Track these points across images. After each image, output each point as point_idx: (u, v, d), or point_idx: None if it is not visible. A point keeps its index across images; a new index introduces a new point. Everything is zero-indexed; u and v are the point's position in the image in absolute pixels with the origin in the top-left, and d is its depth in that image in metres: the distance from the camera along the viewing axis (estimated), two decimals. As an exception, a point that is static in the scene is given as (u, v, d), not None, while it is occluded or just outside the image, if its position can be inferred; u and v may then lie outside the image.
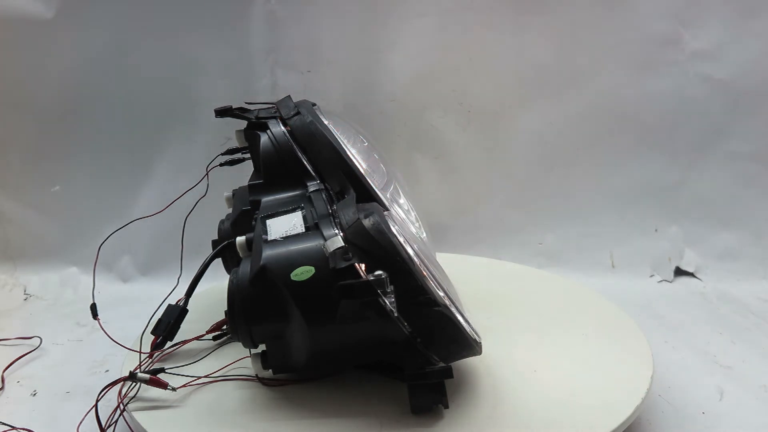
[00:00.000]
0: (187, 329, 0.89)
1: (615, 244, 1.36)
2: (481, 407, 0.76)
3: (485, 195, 1.39)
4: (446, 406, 0.73)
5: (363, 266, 0.68)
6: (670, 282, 1.32)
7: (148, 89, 1.34)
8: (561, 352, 0.88)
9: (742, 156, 1.33)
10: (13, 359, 1.05)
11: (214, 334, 0.92)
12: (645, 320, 1.10)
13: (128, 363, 0.86)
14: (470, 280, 1.03)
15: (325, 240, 0.71)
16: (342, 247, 0.69)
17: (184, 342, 0.90)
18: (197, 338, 0.91)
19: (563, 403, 0.77)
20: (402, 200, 0.95)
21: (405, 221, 0.89)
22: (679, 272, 1.34)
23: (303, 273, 0.70)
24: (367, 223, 0.70)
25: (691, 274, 1.33)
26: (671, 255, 1.34)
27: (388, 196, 0.89)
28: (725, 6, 1.28)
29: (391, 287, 0.67)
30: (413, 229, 0.91)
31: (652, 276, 1.33)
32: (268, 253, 0.72)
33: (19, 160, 1.39)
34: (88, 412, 0.80)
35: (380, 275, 0.67)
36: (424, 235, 0.97)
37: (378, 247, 0.69)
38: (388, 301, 0.67)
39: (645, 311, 1.18)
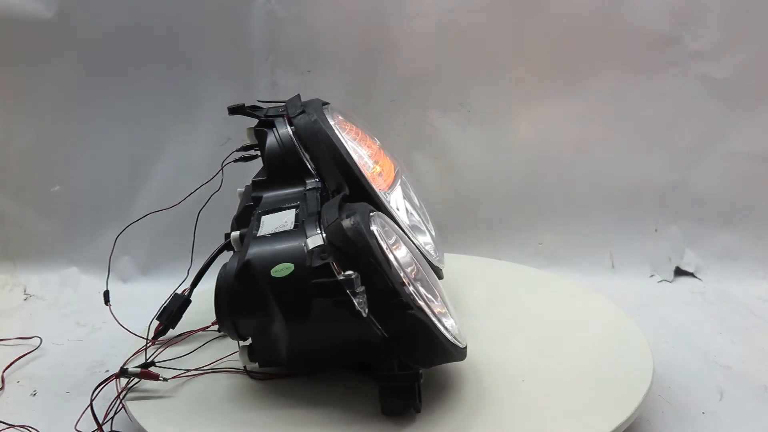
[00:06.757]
0: (195, 321, 0.93)
1: (615, 244, 1.36)
2: (457, 412, 0.75)
3: (485, 195, 1.39)
4: (417, 410, 0.73)
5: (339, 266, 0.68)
6: (670, 282, 1.32)
7: (148, 89, 1.34)
8: (561, 351, 0.87)
9: (742, 156, 1.33)
10: (13, 359, 1.05)
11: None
12: (645, 320, 1.10)
13: (134, 351, 0.89)
14: (470, 280, 1.03)
15: (307, 238, 0.71)
16: (319, 245, 0.69)
17: (190, 332, 0.93)
18: (203, 329, 0.94)
19: (563, 403, 0.77)
20: (413, 198, 0.97)
21: (411, 219, 0.90)
22: (679, 272, 1.33)
23: (282, 270, 0.71)
24: (346, 223, 0.70)
25: (691, 274, 1.33)
26: (671, 255, 1.34)
27: (393, 194, 0.90)
28: (725, 6, 1.27)
29: (362, 288, 0.67)
30: (422, 228, 0.91)
31: (652, 276, 1.33)
32: (253, 248, 0.73)
33: (19, 160, 1.39)
34: (84, 411, 0.81)
35: (350, 275, 0.67)
36: (433, 233, 0.97)
37: (353, 247, 0.69)
38: (357, 301, 0.67)
39: (645, 311, 1.17)
